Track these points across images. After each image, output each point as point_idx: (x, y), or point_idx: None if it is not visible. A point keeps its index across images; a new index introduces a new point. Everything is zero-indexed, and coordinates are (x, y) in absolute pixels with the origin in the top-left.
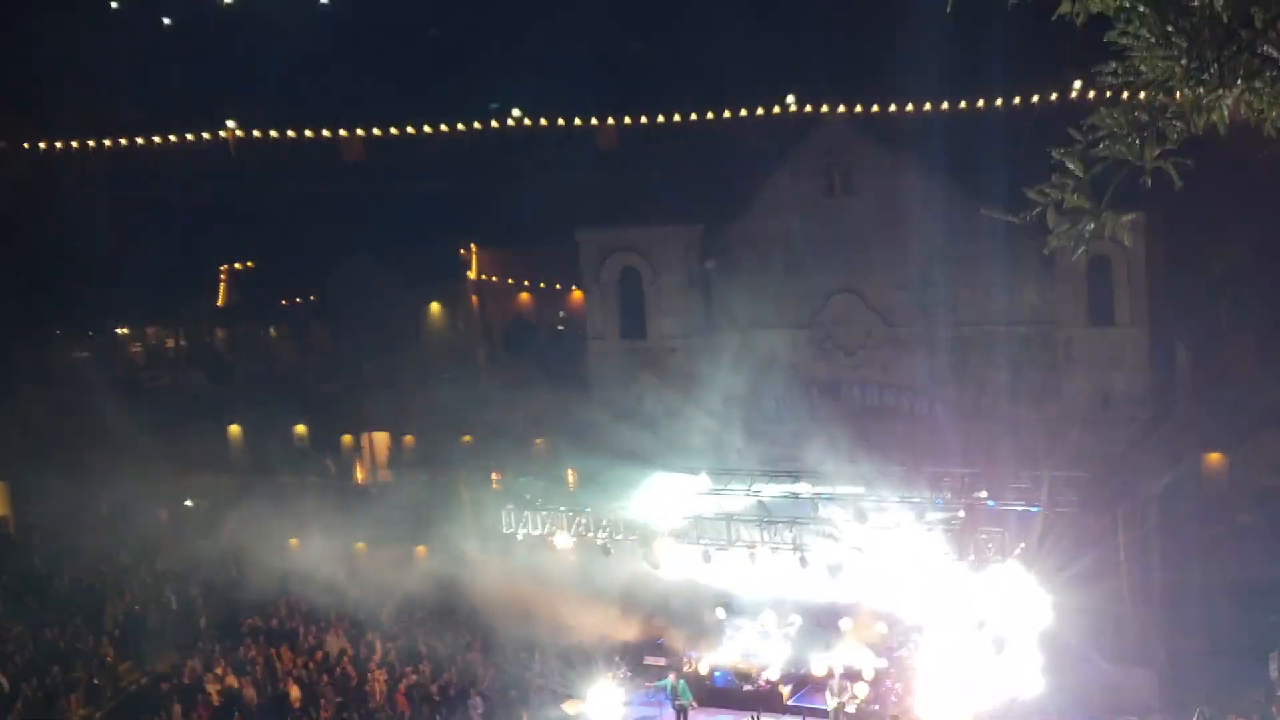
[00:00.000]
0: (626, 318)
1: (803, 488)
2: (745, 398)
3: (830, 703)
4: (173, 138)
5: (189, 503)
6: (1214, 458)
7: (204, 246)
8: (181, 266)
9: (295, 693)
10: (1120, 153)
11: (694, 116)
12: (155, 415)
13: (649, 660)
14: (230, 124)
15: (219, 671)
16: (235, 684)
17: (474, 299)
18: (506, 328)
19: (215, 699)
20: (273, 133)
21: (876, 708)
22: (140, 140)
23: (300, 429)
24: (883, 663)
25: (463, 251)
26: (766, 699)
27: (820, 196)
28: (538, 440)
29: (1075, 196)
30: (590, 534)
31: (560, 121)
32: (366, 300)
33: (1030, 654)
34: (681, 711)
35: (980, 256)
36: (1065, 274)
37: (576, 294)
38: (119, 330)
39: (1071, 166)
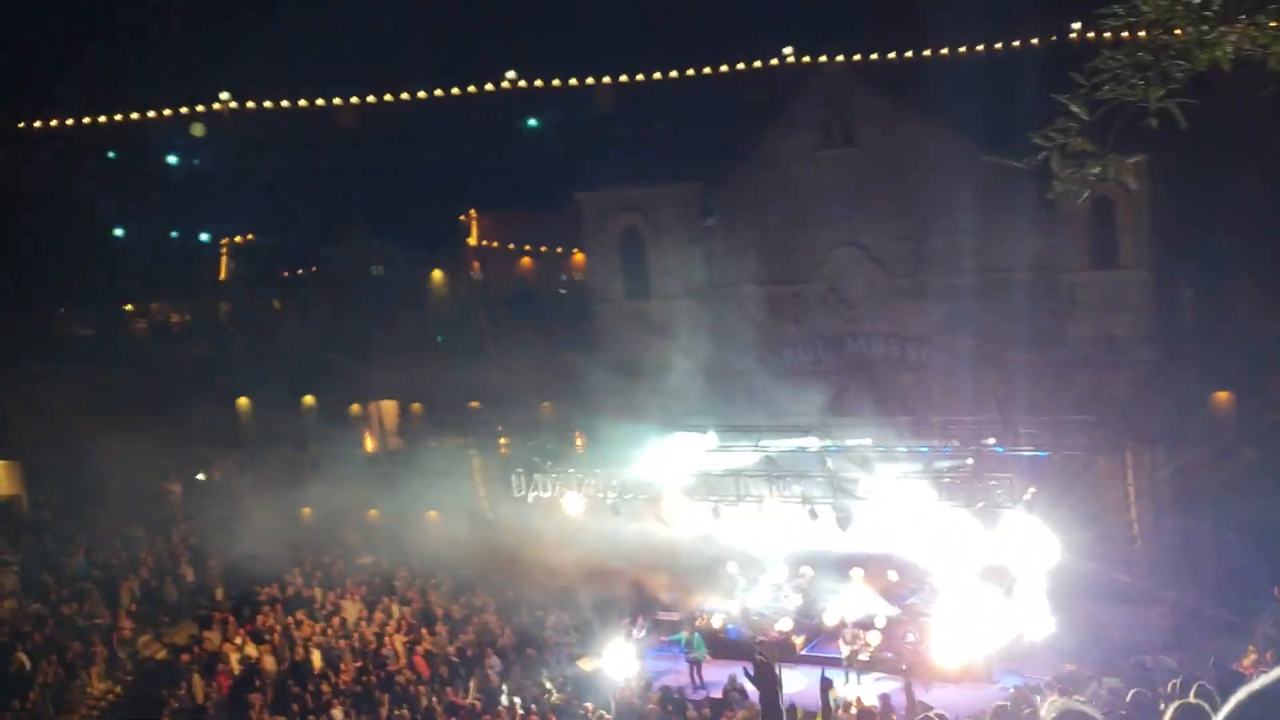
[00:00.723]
0: (629, 278)
1: (810, 441)
2: (750, 354)
3: (844, 651)
4: (168, 111)
5: (201, 476)
6: (1221, 396)
7: (204, 220)
8: (183, 241)
9: (316, 659)
10: (1124, 94)
11: (691, 72)
12: (163, 390)
13: (662, 616)
14: (224, 96)
15: (238, 641)
16: (255, 653)
17: (476, 265)
18: (510, 292)
19: (235, 668)
20: (267, 104)
21: (890, 655)
22: (136, 115)
23: (308, 399)
24: (895, 610)
25: (463, 218)
26: (780, 650)
27: (820, 148)
28: (545, 404)
29: (1079, 140)
30: (600, 495)
31: (556, 82)
32: (368, 269)
33: (1041, 597)
34: (695, 665)
35: (982, 204)
36: (1068, 218)
37: (579, 256)
38: (125, 307)
39: (1075, 110)
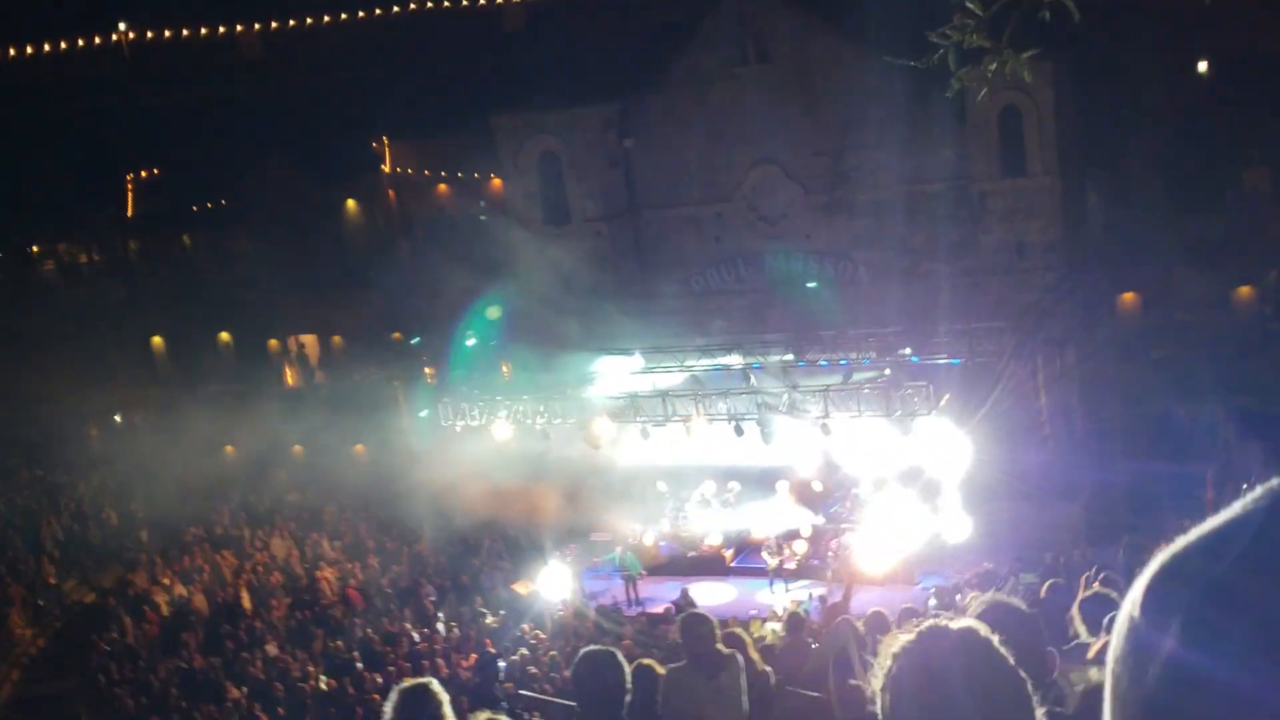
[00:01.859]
0: (549, 203)
1: (734, 359)
2: (673, 275)
3: (770, 562)
4: (64, 44)
5: (118, 418)
6: (1128, 298)
7: (107, 157)
8: (86, 179)
9: (246, 597)
10: None
11: None
12: (75, 332)
13: (595, 536)
14: (122, 26)
15: (166, 582)
16: (184, 593)
17: (391, 193)
18: (427, 220)
19: (164, 609)
20: (167, 33)
21: (816, 563)
22: (30, 49)
23: (225, 336)
24: (820, 520)
25: (375, 145)
26: (710, 564)
27: (735, 65)
28: (469, 332)
29: (975, 37)
30: (528, 420)
31: (465, 2)
32: (281, 202)
33: (957, 499)
34: (630, 582)
35: (896, 117)
36: (977, 128)
37: (496, 182)
38: (30, 248)
39: (971, 6)
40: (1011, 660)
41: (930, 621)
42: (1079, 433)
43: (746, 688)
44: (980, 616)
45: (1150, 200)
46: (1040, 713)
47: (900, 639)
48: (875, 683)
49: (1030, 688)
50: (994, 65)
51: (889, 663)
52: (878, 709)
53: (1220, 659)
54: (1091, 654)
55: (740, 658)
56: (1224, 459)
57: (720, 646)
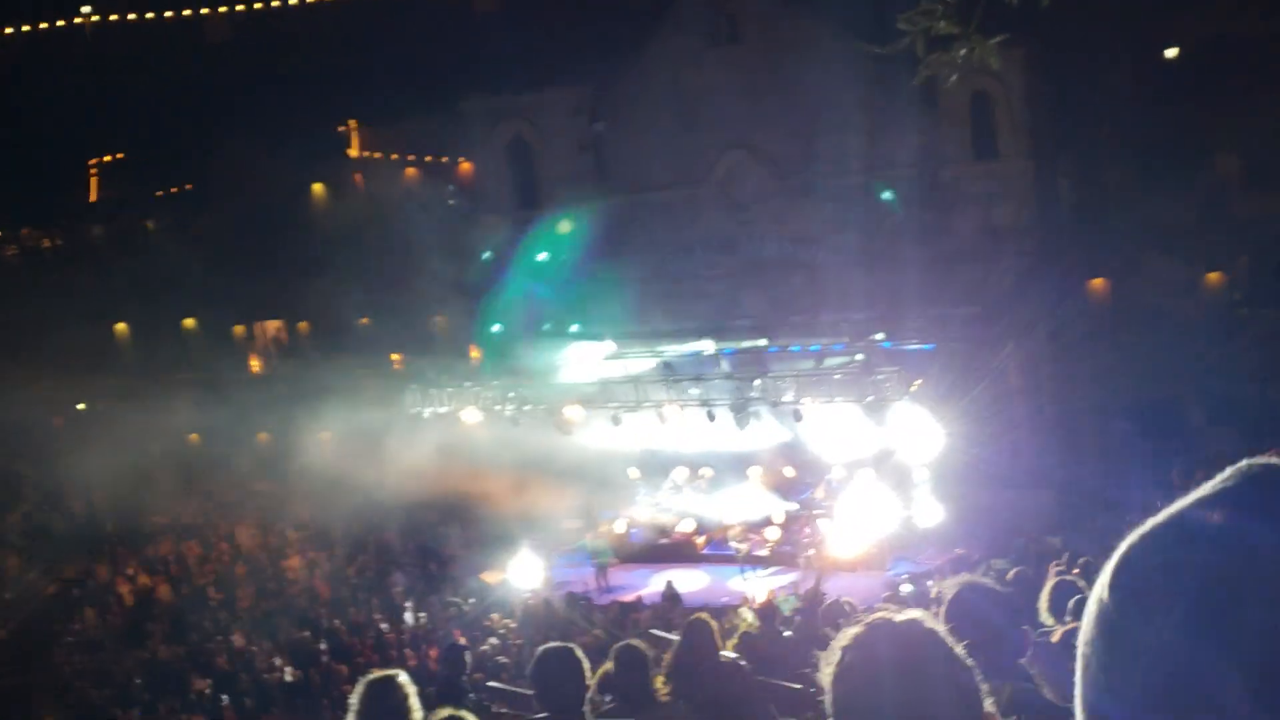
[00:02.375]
0: (519, 187)
1: (706, 345)
2: (644, 260)
3: (739, 549)
4: (25, 26)
5: (81, 406)
6: (1098, 283)
7: (70, 140)
8: (49, 163)
9: (211, 587)
10: None
11: None
12: (38, 319)
13: (566, 524)
14: (86, 9)
15: (130, 572)
16: (149, 583)
17: (358, 177)
18: (395, 204)
19: (129, 599)
20: (131, 15)
21: (788, 549)
22: None
23: (190, 322)
24: (793, 505)
25: (342, 129)
26: (683, 551)
27: (706, 48)
28: (437, 317)
29: (944, 23)
30: (498, 407)
31: None
32: (247, 186)
33: (929, 485)
34: (601, 570)
35: (867, 100)
36: (949, 113)
37: (466, 166)
38: None
39: None
40: (959, 650)
41: (877, 614)
42: (1050, 418)
43: None
44: (954, 597)
45: (1121, 185)
46: (989, 703)
47: (848, 632)
48: (824, 677)
49: (978, 678)
50: (962, 52)
51: (837, 655)
52: (826, 703)
53: (1167, 634)
54: (1056, 638)
55: (683, 708)
56: (1193, 443)
57: (658, 686)
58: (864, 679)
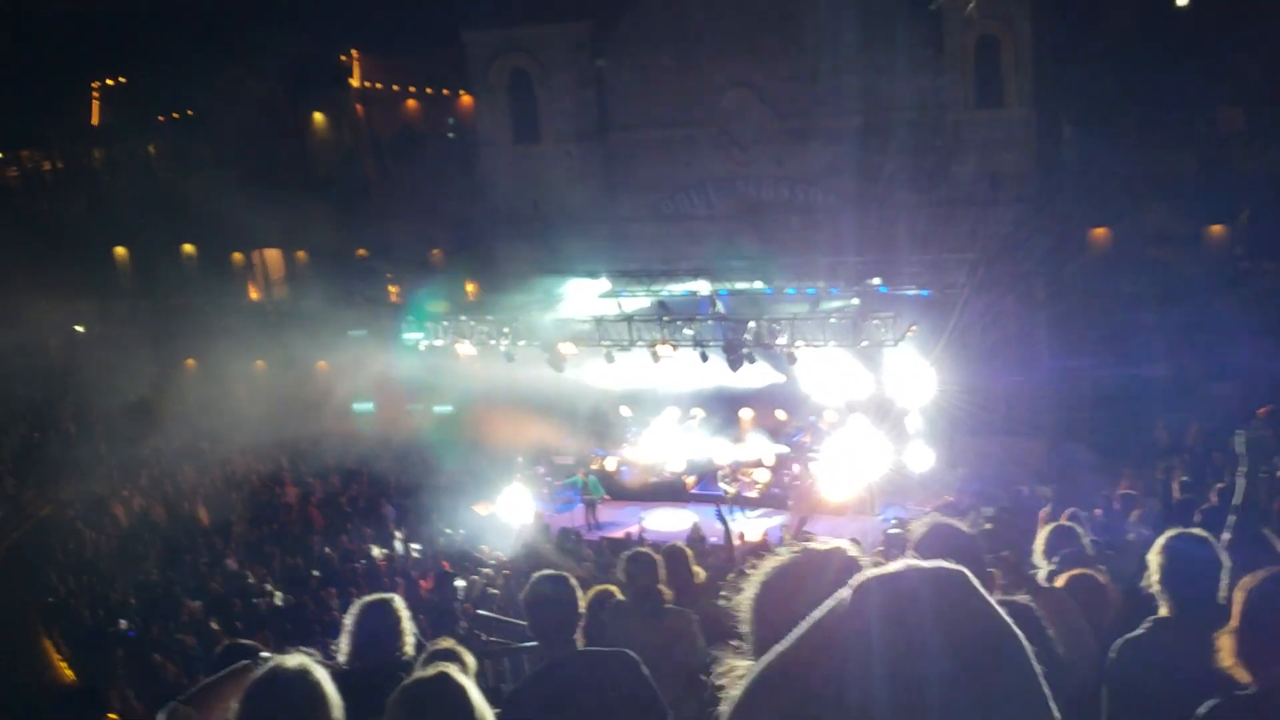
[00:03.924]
0: (519, 121)
1: (702, 285)
2: (642, 198)
3: (728, 490)
4: None
5: (80, 328)
6: (1099, 232)
7: (72, 62)
8: (50, 84)
9: (204, 513)
10: None
11: None
12: (36, 241)
13: (558, 460)
14: None
15: (125, 495)
16: (143, 505)
17: (359, 107)
18: (395, 136)
19: (123, 521)
20: None
21: (777, 491)
22: None
23: (188, 248)
24: (783, 448)
25: (344, 58)
26: (672, 490)
27: None
28: (434, 250)
29: None
30: (492, 341)
31: None
32: (248, 113)
33: (922, 431)
34: (591, 506)
35: (871, 43)
36: (954, 58)
37: (466, 99)
38: None
39: None
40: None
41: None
42: (1045, 368)
43: (698, 629)
44: (923, 536)
45: (1124, 134)
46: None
47: (770, 560)
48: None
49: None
50: None
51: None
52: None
53: None
54: (1040, 577)
55: (687, 614)
56: (1189, 400)
57: (663, 588)
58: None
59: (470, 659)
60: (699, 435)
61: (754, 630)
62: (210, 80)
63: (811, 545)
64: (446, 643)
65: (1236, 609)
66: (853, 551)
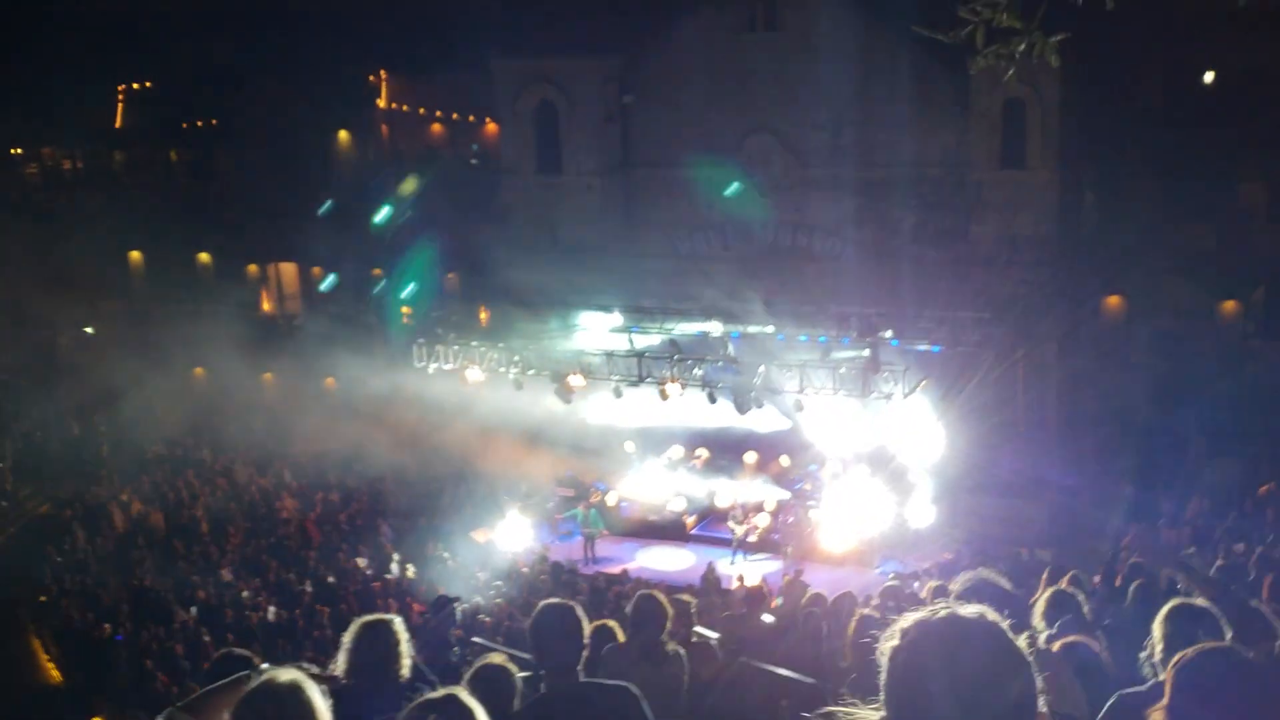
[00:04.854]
0: (542, 152)
1: (714, 326)
2: (659, 234)
3: (736, 531)
4: None
5: (89, 329)
6: (1113, 300)
7: (101, 64)
8: (77, 84)
9: (203, 520)
10: None
11: None
12: (52, 239)
13: (559, 491)
14: None
15: (124, 498)
16: (141, 509)
17: (384, 128)
18: (418, 158)
19: (121, 524)
20: None
21: (777, 537)
22: None
23: (204, 257)
24: (785, 494)
25: (372, 79)
26: (672, 529)
27: (742, 31)
28: (449, 274)
29: (1006, 16)
30: (502, 369)
31: None
32: (273, 126)
33: (925, 487)
34: (590, 540)
35: (898, 97)
36: (979, 117)
37: (491, 126)
38: (12, 150)
39: None
40: (1023, 647)
41: (943, 606)
42: (1052, 432)
43: (687, 678)
44: (964, 591)
45: (1144, 205)
46: (1041, 701)
47: (914, 616)
48: (883, 655)
49: (1036, 677)
50: (1022, 46)
51: (898, 639)
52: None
53: None
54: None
55: (683, 656)
56: (1192, 471)
57: (665, 640)
58: (925, 667)
59: (519, 680)
60: (702, 476)
61: (895, 688)
62: (236, 91)
63: (952, 609)
64: (497, 658)
65: (1167, 686)
66: (994, 617)
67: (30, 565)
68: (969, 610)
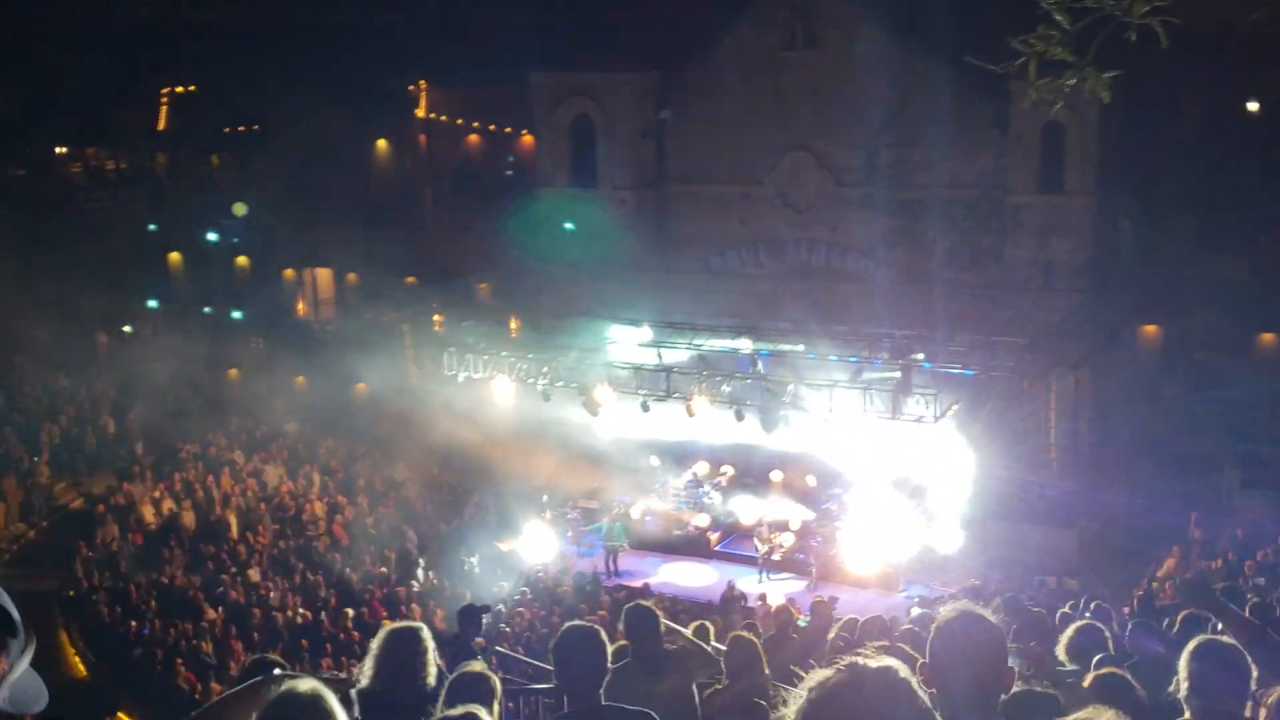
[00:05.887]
0: (577, 165)
1: (743, 343)
2: (691, 251)
3: (760, 549)
4: None
5: (128, 328)
6: (1149, 330)
7: (145, 66)
8: (122, 86)
9: (233, 520)
10: (1109, 6)
11: None
12: (93, 238)
13: (583, 504)
14: None
15: (156, 496)
16: (173, 508)
17: (422, 138)
18: (455, 169)
19: (152, 522)
20: None
21: (801, 557)
22: None
23: (242, 260)
24: (810, 514)
25: (412, 89)
26: (695, 545)
27: (780, 49)
28: (482, 285)
29: (1059, 49)
30: (531, 380)
31: None
32: (313, 133)
33: (953, 511)
34: (612, 553)
35: (936, 118)
36: (1019, 140)
37: (527, 138)
38: (57, 149)
39: (1059, 19)
40: (926, 702)
41: (850, 659)
42: (1084, 460)
43: (696, 688)
44: (946, 623)
45: (1183, 234)
46: None
47: (819, 675)
48: (787, 715)
49: None
50: (1073, 80)
51: (805, 695)
52: None
53: None
54: (1086, 683)
55: (688, 651)
56: (1224, 503)
57: (666, 645)
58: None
59: (498, 684)
60: (727, 492)
61: None
62: (279, 97)
63: (861, 662)
64: (476, 666)
65: None
66: (903, 672)
67: (61, 559)
68: (876, 663)
